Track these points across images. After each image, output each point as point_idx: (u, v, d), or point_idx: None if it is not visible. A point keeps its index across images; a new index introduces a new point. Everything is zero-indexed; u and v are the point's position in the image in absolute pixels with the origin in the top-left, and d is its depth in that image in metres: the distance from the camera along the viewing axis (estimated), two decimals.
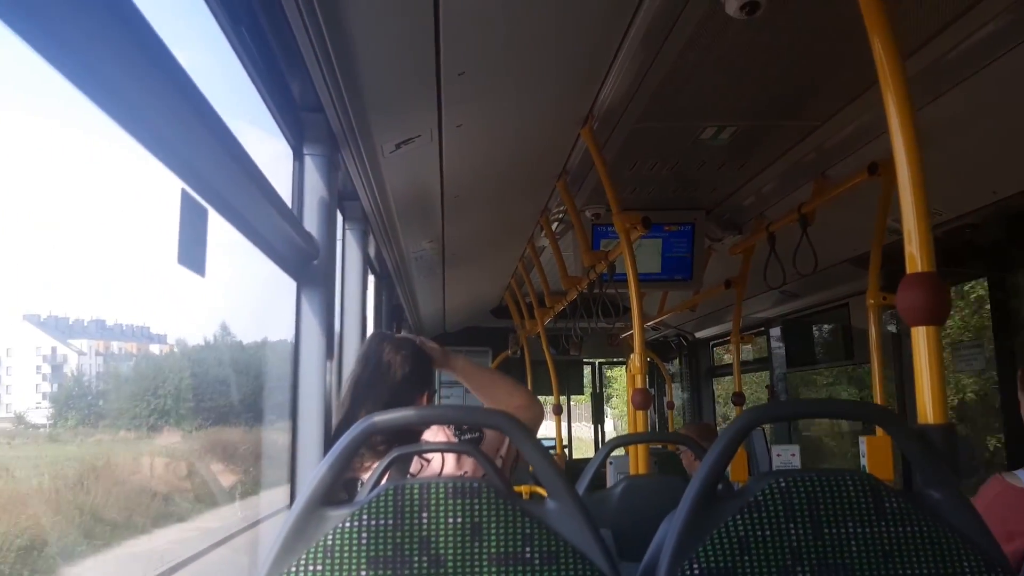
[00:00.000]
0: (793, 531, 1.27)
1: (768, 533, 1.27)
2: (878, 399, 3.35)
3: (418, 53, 2.14)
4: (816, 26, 2.58)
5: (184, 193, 1.30)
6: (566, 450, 8.55)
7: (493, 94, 2.69)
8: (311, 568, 1.23)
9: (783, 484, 1.30)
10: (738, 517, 1.28)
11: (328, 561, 1.23)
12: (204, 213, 1.38)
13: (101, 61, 1.08)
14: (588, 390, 9.77)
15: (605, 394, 10.30)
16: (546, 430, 8.25)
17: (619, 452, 4.75)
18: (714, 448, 1.35)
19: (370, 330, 4.23)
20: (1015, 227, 3.69)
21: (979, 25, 2.50)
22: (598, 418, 9.58)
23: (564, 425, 7.84)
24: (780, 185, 4.18)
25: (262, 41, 1.93)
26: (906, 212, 1.50)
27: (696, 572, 1.26)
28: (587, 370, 9.78)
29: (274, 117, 2.11)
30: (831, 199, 3.64)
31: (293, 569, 1.23)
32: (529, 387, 7.80)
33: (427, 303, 6.55)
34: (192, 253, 1.31)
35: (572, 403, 10.38)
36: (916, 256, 1.46)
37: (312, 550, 1.24)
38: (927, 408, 1.43)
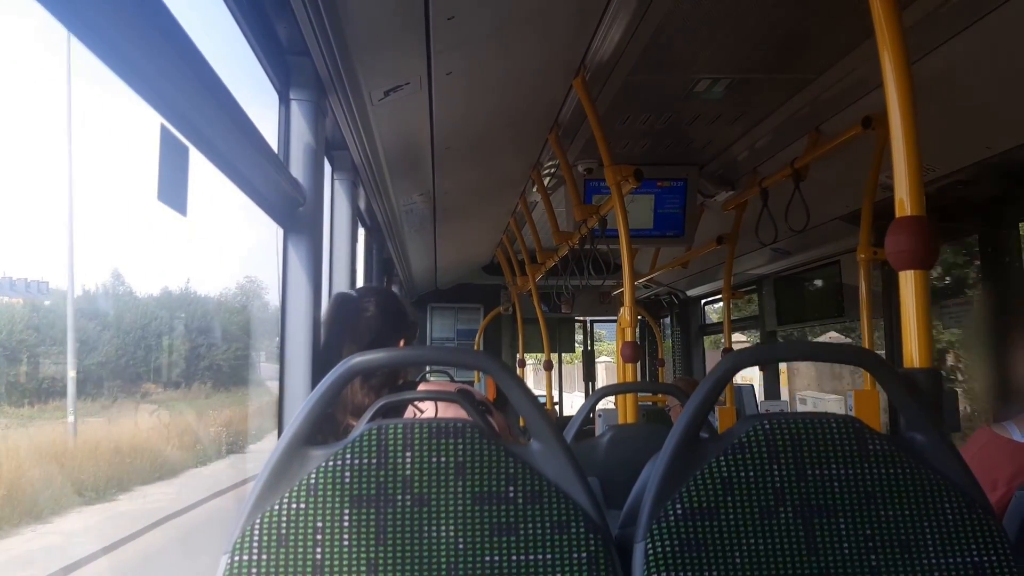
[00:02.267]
0: (776, 472, 1.28)
1: (751, 474, 1.28)
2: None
3: None
4: None
5: (163, 129, 1.28)
6: (556, 407, 8.60)
7: (484, 41, 2.64)
8: (294, 506, 1.23)
9: (767, 426, 1.30)
10: (721, 458, 1.29)
11: (311, 499, 1.23)
12: (185, 151, 1.36)
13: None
14: (579, 348, 9.79)
15: (596, 351, 10.31)
16: (537, 386, 8.31)
17: (609, 405, 4.78)
18: (698, 391, 1.35)
19: (359, 283, 4.22)
20: (1007, 183, 3.68)
21: None
22: (589, 375, 9.62)
23: (555, 381, 7.88)
24: (774, 140, 4.15)
25: None
26: (897, 158, 1.49)
27: (679, 511, 1.26)
28: (579, 328, 9.80)
29: (259, 59, 2.07)
30: (824, 154, 3.63)
31: (276, 507, 1.23)
32: (520, 344, 7.83)
33: (418, 259, 6.53)
34: (173, 190, 1.29)
35: (565, 367, 10.43)
36: (905, 201, 1.45)
37: (295, 488, 1.24)
38: (913, 352, 1.43)
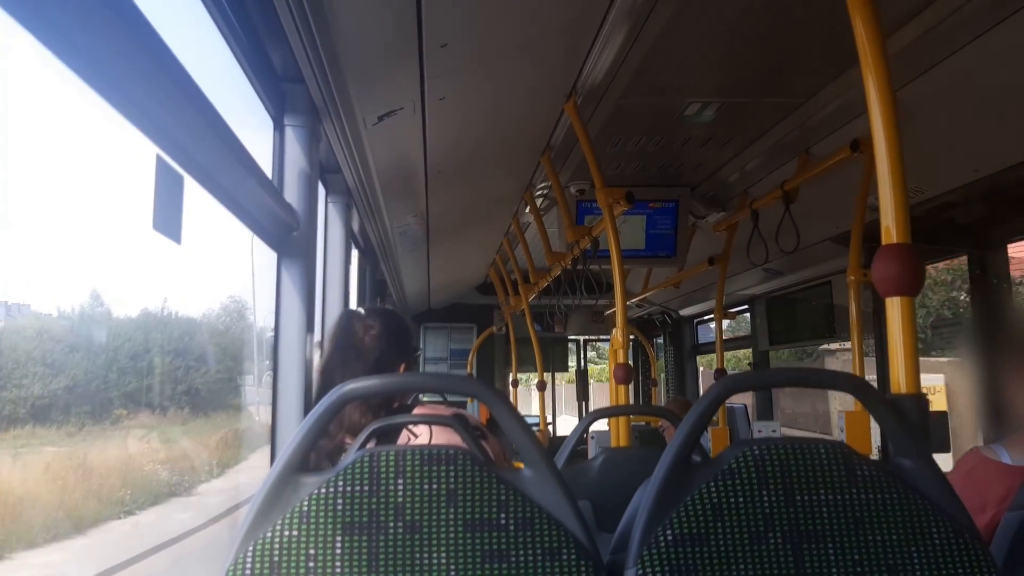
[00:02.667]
0: (766, 497, 1.29)
1: (741, 500, 1.29)
2: (857, 374, 3.39)
3: (400, 24, 2.12)
4: (799, 2, 2.58)
5: (159, 159, 1.29)
6: (550, 427, 8.59)
7: (476, 67, 2.67)
8: (287, 533, 1.23)
9: (756, 452, 1.31)
10: (712, 484, 1.30)
11: (304, 526, 1.24)
12: (180, 180, 1.38)
13: (75, 26, 1.07)
14: (572, 368, 9.80)
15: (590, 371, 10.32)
16: (531, 407, 8.30)
17: (602, 427, 4.79)
18: (689, 415, 1.36)
19: (353, 305, 4.23)
20: (995, 205, 3.72)
21: (958, 5, 2.51)
22: (583, 395, 9.62)
23: (548, 401, 7.86)
24: (764, 162, 4.19)
25: (242, 10, 1.92)
26: (883, 185, 1.51)
27: (669, 537, 1.27)
28: (572, 347, 9.81)
29: (253, 87, 2.10)
30: (814, 177, 3.66)
31: (269, 535, 1.23)
32: (514, 364, 7.83)
33: (412, 279, 6.54)
34: (168, 219, 1.30)
35: (560, 387, 10.41)
36: (891, 228, 1.47)
37: (288, 516, 1.24)
38: (900, 378, 1.45)
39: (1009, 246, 3.85)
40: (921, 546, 1.27)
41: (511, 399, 7.83)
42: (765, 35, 2.82)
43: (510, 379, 8.01)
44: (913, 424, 1.35)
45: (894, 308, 1.46)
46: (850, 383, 1.40)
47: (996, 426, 2.34)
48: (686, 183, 4.72)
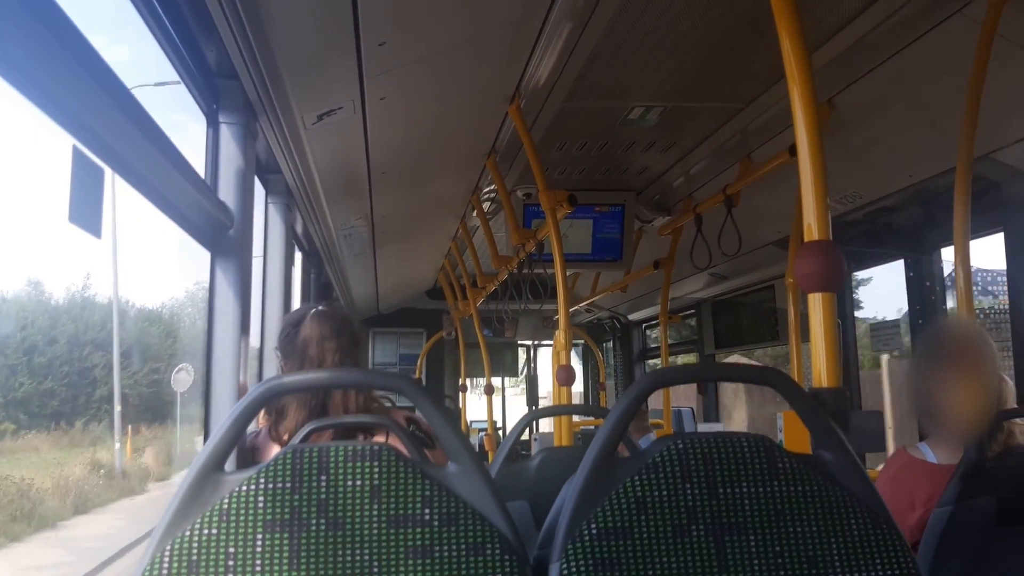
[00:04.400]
0: (689, 491, 1.30)
1: (664, 493, 1.30)
2: (795, 375, 3.44)
3: (336, 20, 2.11)
4: (737, 9, 2.62)
5: (76, 150, 1.26)
6: (499, 432, 8.59)
7: (417, 67, 2.66)
8: (205, 532, 1.21)
9: (680, 446, 1.32)
10: (636, 478, 1.31)
11: (223, 524, 1.22)
12: (100, 173, 1.35)
13: None
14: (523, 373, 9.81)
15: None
16: (479, 412, 8.29)
17: (548, 429, 4.79)
18: (614, 410, 1.37)
19: (295, 307, 4.17)
20: (929, 210, 3.81)
21: (888, 14, 2.57)
22: (532, 400, 9.63)
23: (499, 406, 7.86)
24: (707, 167, 4.25)
25: (173, 4, 1.88)
26: (805, 187, 1.54)
27: (594, 532, 1.27)
28: (522, 352, 9.82)
29: (185, 82, 2.06)
30: (756, 182, 3.72)
31: (187, 533, 1.21)
32: (463, 369, 7.82)
33: (359, 283, 6.49)
34: (85, 212, 1.27)
35: (516, 392, 10.39)
36: (813, 226, 1.50)
37: (207, 514, 1.22)
38: (821, 372, 1.47)
39: (943, 250, 3.94)
40: (840, 537, 1.29)
41: (460, 403, 7.82)
42: (704, 41, 2.86)
43: (459, 384, 7.99)
44: (833, 416, 1.37)
45: (816, 304, 1.49)
46: (772, 377, 1.42)
47: (926, 421, 2.40)
48: (632, 187, 4.76)
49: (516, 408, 10.43)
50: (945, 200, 3.59)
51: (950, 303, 4.02)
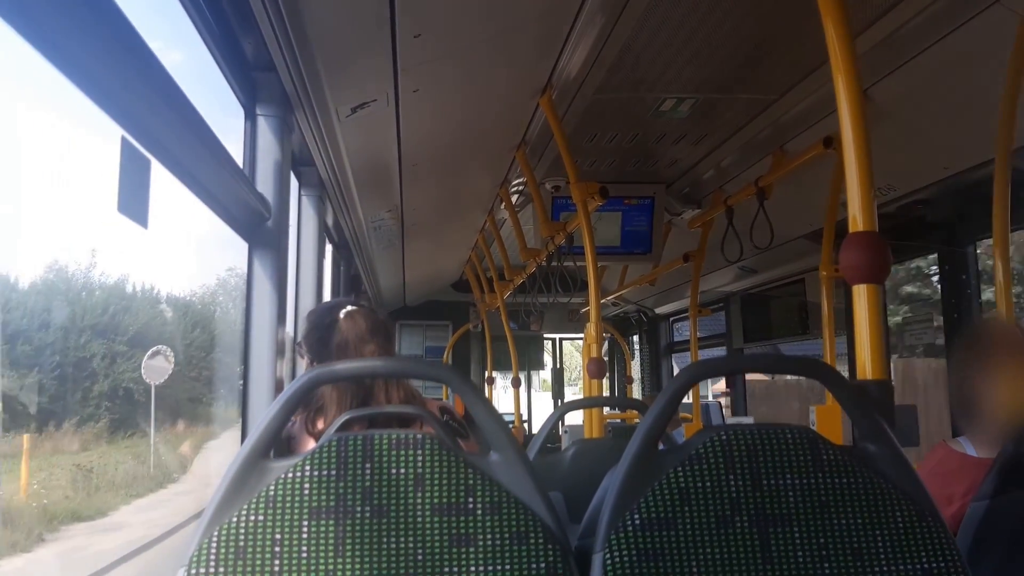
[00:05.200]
0: (733, 482, 1.30)
1: (708, 484, 1.29)
2: None
3: (372, 14, 2.11)
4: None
5: (124, 141, 1.28)
6: (525, 425, 8.60)
7: (450, 59, 2.67)
8: (252, 518, 1.22)
9: (724, 437, 1.32)
10: (679, 469, 1.30)
11: (270, 511, 1.23)
12: (147, 164, 1.37)
13: (41, 6, 1.06)
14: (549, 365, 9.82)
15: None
16: (505, 404, 8.31)
17: (577, 421, 4.78)
18: (657, 402, 1.36)
19: (326, 298, 4.20)
20: (964, 203, 3.76)
21: (925, 4, 2.54)
22: (559, 393, 9.63)
23: (524, 399, 7.86)
24: (739, 159, 4.22)
25: None
26: (850, 176, 1.53)
27: (637, 522, 1.27)
28: (548, 345, 9.81)
29: (224, 75, 2.08)
30: (788, 174, 3.69)
31: (235, 519, 1.22)
32: (489, 361, 7.83)
33: (387, 275, 6.52)
34: (133, 202, 1.29)
35: (536, 384, 10.37)
36: (858, 217, 1.49)
37: (254, 500, 1.23)
38: (866, 364, 1.46)
39: (978, 243, 3.89)
40: (885, 529, 1.29)
41: (486, 396, 7.85)
42: (737, 32, 2.84)
43: (485, 376, 8.00)
44: (878, 409, 1.36)
45: (860, 296, 1.48)
46: (815, 369, 1.41)
47: (961, 419, 2.37)
48: (661, 180, 4.74)
49: (541, 401, 10.40)
50: (982, 192, 3.55)
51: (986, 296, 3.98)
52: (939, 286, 3.99)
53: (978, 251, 3.92)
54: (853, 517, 1.29)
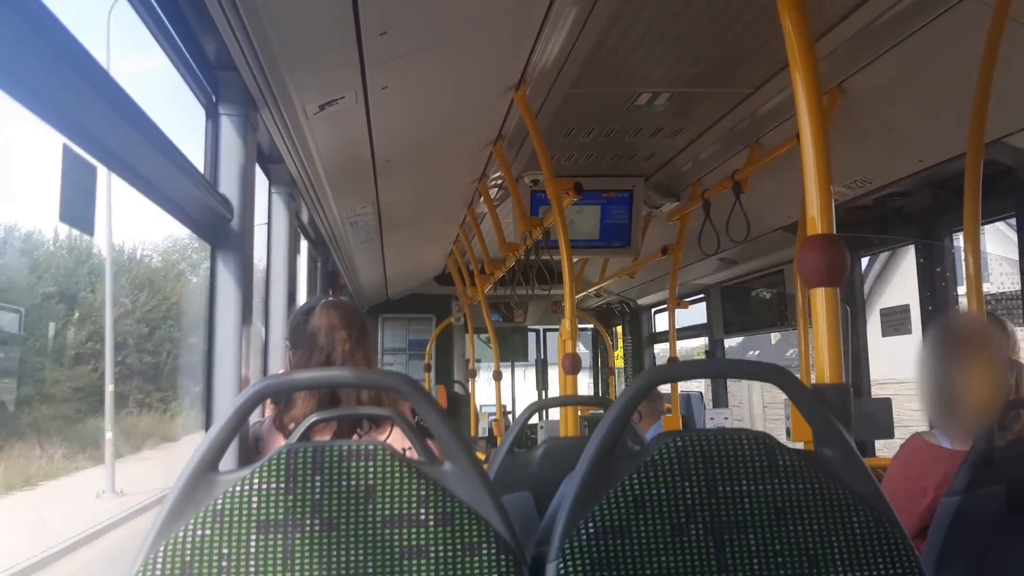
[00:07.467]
0: (688, 489, 1.28)
1: (663, 491, 1.28)
2: (803, 360, 3.42)
3: (335, 11, 2.08)
4: None
5: (66, 148, 1.25)
6: (509, 416, 8.59)
7: (419, 56, 2.64)
8: (199, 532, 1.21)
9: (679, 443, 1.31)
10: (635, 476, 1.29)
11: (217, 525, 1.21)
12: (92, 170, 1.34)
13: None
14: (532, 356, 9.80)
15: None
16: (488, 397, 8.29)
17: (557, 416, 4.77)
18: (612, 409, 1.35)
19: (301, 296, 4.17)
20: (940, 195, 3.76)
21: None
22: (542, 385, 9.62)
23: (508, 392, 7.84)
24: (716, 152, 4.21)
25: None
26: (808, 180, 1.52)
27: (591, 531, 1.26)
28: (533, 337, 9.79)
29: (182, 75, 2.04)
30: (765, 167, 3.68)
31: (181, 534, 1.21)
32: (471, 354, 7.81)
33: (367, 270, 6.48)
34: (78, 210, 1.26)
35: (528, 377, 10.35)
36: (816, 219, 1.47)
37: (201, 514, 1.22)
38: (824, 368, 1.45)
39: (954, 235, 3.90)
40: (841, 535, 1.28)
41: (469, 389, 7.83)
42: (712, 26, 2.82)
43: (468, 369, 7.98)
44: (836, 413, 1.35)
45: (818, 298, 1.47)
46: (773, 374, 1.40)
47: (932, 412, 2.37)
48: (640, 173, 4.72)
49: (526, 392, 10.38)
50: (958, 185, 3.56)
51: (961, 290, 3.98)
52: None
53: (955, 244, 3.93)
54: (809, 523, 1.28)
